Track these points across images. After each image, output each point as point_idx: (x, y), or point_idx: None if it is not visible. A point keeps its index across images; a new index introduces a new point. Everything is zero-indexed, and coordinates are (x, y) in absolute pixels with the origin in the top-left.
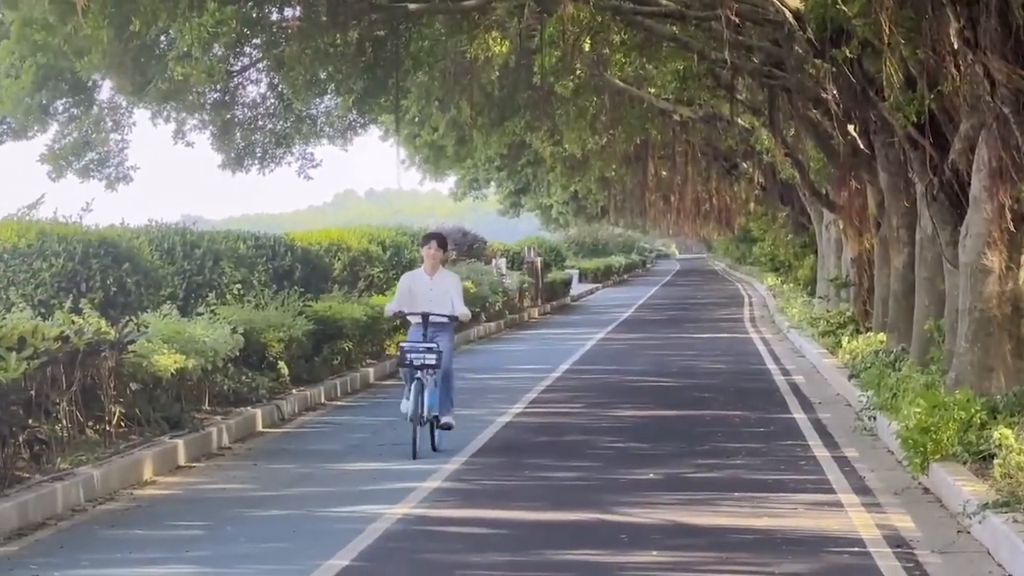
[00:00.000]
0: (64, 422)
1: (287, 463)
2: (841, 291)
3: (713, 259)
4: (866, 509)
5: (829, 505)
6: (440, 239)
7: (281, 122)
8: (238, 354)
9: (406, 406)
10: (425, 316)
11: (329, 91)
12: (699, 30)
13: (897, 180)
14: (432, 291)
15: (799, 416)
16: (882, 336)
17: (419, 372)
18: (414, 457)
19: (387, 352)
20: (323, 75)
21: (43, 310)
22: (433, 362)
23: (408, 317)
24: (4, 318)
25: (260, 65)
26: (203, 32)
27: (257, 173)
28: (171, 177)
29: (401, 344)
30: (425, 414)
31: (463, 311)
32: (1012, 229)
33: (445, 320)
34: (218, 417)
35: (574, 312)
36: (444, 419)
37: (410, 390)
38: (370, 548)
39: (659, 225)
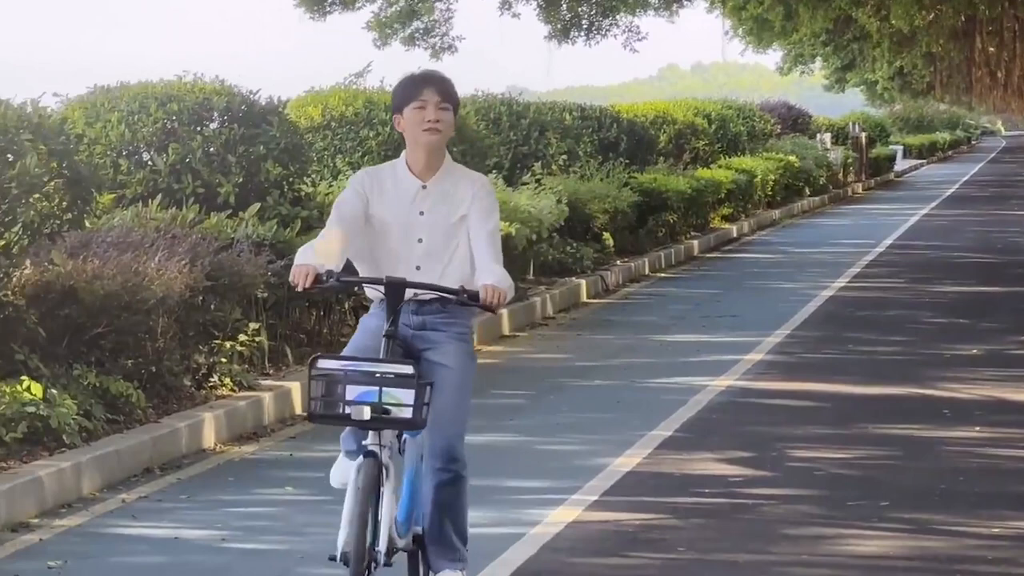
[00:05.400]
0: None
1: (610, 334)
2: None
3: None
4: None
5: None
6: (445, 88)
7: None
8: (563, 224)
9: (337, 477)
10: (396, 287)
11: None
12: None
13: None
14: (425, 217)
15: None
16: None
17: (370, 437)
18: None
19: (711, 225)
20: None
21: None
22: (406, 413)
23: (361, 286)
24: (331, 185)
25: None
26: None
27: (583, 45)
28: (496, 48)
29: (318, 360)
30: (380, 545)
31: (495, 275)
32: None
33: (448, 300)
34: (542, 287)
35: (898, 188)
36: (444, 570)
37: (352, 476)
38: (693, 419)
39: (985, 102)
